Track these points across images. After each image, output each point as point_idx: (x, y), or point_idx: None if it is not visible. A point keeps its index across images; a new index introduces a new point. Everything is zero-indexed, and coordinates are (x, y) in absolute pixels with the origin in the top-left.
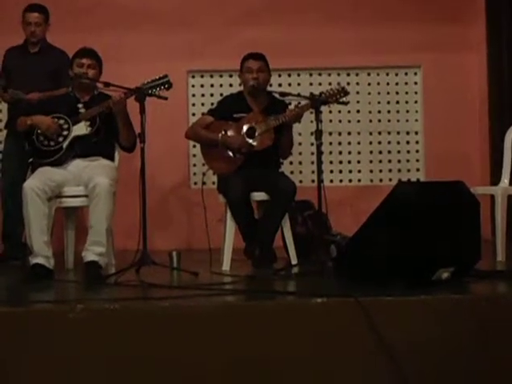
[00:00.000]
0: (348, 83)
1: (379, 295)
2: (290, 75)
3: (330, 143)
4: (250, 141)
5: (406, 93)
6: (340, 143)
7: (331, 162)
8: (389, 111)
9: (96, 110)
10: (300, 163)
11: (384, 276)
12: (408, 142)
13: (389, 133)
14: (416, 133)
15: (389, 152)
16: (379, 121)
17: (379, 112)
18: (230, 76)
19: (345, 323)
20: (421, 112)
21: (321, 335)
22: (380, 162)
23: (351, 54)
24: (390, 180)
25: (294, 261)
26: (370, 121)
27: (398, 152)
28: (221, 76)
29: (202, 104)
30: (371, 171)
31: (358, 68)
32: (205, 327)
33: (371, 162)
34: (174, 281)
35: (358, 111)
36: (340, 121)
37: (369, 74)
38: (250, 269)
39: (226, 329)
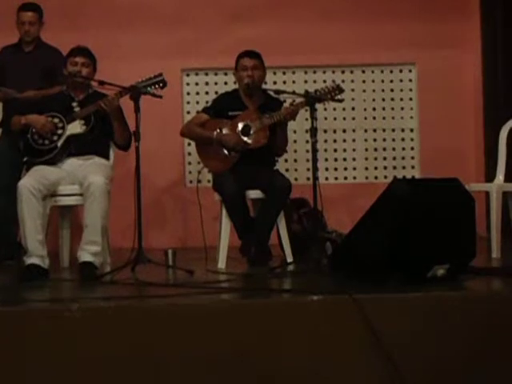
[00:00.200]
0: (343, 81)
1: (374, 292)
2: (284, 73)
3: (325, 141)
4: (245, 139)
5: (401, 90)
6: (335, 141)
7: (326, 160)
8: (384, 108)
9: (91, 108)
10: (295, 161)
11: (379, 273)
12: (403, 139)
13: (384, 130)
14: (411, 130)
15: (384, 149)
16: (374, 118)
17: (374, 109)
18: (225, 74)
19: (340, 320)
20: (416, 109)
21: (316, 332)
22: (375, 159)
23: (346, 51)
24: (385, 177)
25: (289, 258)
26: (365, 118)
27: (393, 149)
28: (215, 74)
29: (197, 102)
30: (366, 168)
31: (353, 65)
32: (200, 325)
33: (366, 159)
34: (170, 279)
35: (353, 108)
36: (335, 118)
37: (363, 72)
38: (245, 267)
39: (222, 327)
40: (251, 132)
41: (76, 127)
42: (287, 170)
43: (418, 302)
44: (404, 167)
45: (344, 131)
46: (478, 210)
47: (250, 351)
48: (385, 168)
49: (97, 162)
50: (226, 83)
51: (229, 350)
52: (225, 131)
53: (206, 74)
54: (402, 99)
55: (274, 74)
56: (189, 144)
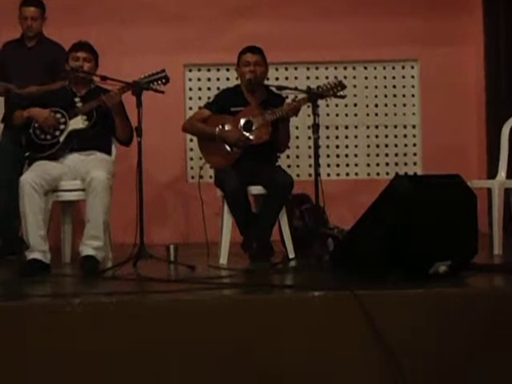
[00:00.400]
0: (345, 77)
1: (376, 289)
2: (287, 69)
3: (327, 137)
4: (247, 134)
5: (404, 86)
6: (337, 137)
7: (328, 156)
8: (386, 105)
9: (93, 104)
10: (297, 157)
11: (381, 269)
12: (405, 136)
13: (386, 126)
14: (413, 126)
15: (386, 146)
16: (376, 114)
17: (376, 106)
18: (227, 70)
19: (342, 316)
20: (418, 106)
21: (318, 328)
22: (377, 155)
23: (348, 47)
24: (388, 174)
25: (291, 254)
26: (367, 114)
27: (396, 146)
28: (218, 70)
29: (199, 98)
30: (368, 165)
31: (355, 62)
32: (202, 321)
33: (368, 155)
34: (171, 274)
35: (355, 105)
36: (337, 114)
37: (366, 68)
38: (247, 262)
39: (224, 322)
40: (253, 128)
41: (78, 122)
42: (289, 166)
43: (420, 299)
44: (406, 164)
45: (346, 127)
46: (479, 206)
47: (252, 347)
48: (387, 164)
49: (99, 158)
50: (228, 79)
51: (230, 346)
52: (227, 127)
53: (209, 70)
54: (404, 96)
55: (277, 70)
56: (191, 140)
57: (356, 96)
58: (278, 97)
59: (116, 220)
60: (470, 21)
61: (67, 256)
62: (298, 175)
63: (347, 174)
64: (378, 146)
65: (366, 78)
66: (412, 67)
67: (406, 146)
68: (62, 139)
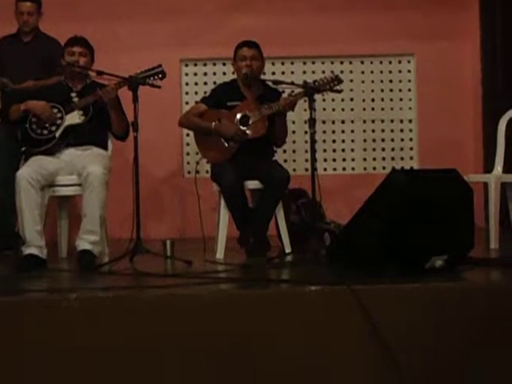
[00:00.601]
0: (342, 71)
1: (373, 283)
2: (283, 63)
3: (324, 131)
4: (244, 129)
5: (400, 81)
6: (334, 131)
7: (325, 151)
8: (382, 99)
9: (89, 99)
10: (294, 152)
11: (377, 264)
12: (402, 130)
13: (382, 121)
14: (410, 121)
15: (382, 140)
16: (373, 109)
17: (373, 100)
18: (224, 64)
19: (338, 311)
20: (414, 100)
21: (314, 323)
22: (374, 150)
23: (345, 42)
24: (384, 168)
25: (287, 249)
26: (364, 109)
27: (392, 140)
28: (214, 64)
29: (196, 92)
30: (365, 159)
31: (352, 56)
32: (199, 315)
33: (365, 150)
34: (168, 269)
35: (352, 99)
36: (334, 109)
37: (362, 62)
38: (243, 257)
39: (220, 317)
40: (250, 122)
41: (74, 117)
42: (286, 161)
43: (416, 293)
44: (402, 158)
45: (343, 122)
46: (476, 200)
47: (248, 341)
48: (383, 159)
49: (95, 153)
50: (224, 73)
51: (227, 340)
52: (223, 121)
53: (205, 65)
54: (400, 90)
55: (273, 64)
56: (187, 134)
57: (352, 90)
58: (275, 91)
59: (112, 215)
60: (466, 15)
61: (64, 251)
62: (294, 170)
63: (344, 169)
64: (374, 140)
65: (363, 72)
66: (408, 62)
67: (402, 140)
68: (58, 134)
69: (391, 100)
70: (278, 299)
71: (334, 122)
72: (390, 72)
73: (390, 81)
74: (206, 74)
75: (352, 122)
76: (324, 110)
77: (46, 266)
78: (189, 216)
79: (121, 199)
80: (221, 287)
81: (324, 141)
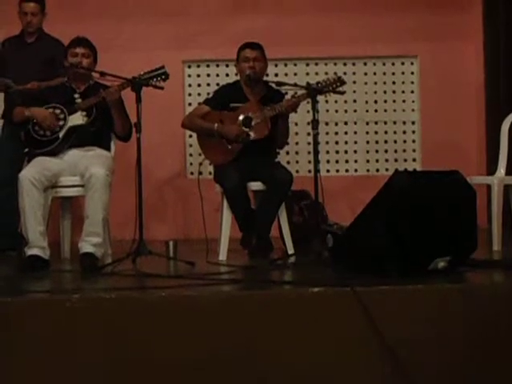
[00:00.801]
0: (345, 73)
1: (375, 285)
2: (286, 65)
3: (327, 133)
4: (247, 130)
5: (403, 82)
6: (337, 133)
7: (328, 152)
8: (385, 101)
9: (92, 100)
10: (297, 153)
11: (380, 265)
12: (405, 132)
13: (385, 123)
14: (413, 122)
15: (385, 142)
16: (376, 111)
17: (376, 102)
18: (227, 66)
19: (341, 313)
20: (417, 102)
21: (317, 325)
22: (376, 151)
23: (348, 43)
24: (387, 170)
25: (290, 250)
26: (367, 111)
27: (395, 142)
28: (217, 66)
29: (199, 94)
30: (368, 161)
31: (355, 58)
32: (201, 317)
33: (368, 151)
34: (171, 270)
35: (355, 101)
36: (337, 111)
37: (365, 64)
38: (246, 259)
39: (223, 318)
40: (252, 124)
41: (78, 118)
42: (289, 163)
43: (419, 295)
44: (405, 160)
45: (345, 124)
46: (479, 202)
47: (251, 342)
48: (386, 161)
49: (98, 154)
50: (227, 75)
51: (229, 342)
52: (226, 123)
53: (208, 66)
54: (403, 92)
55: (276, 66)
56: (190, 136)
57: (355, 92)
58: (278, 93)
59: (115, 216)
60: (469, 17)
61: (66, 252)
62: (297, 171)
63: (346, 170)
64: (377, 142)
65: (366, 74)
66: (412, 63)
67: (405, 142)
68: (61, 135)
69: (394, 102)
70: (280, 301)
71: (336, 124)
72: (393, 74)
73: (393, 82)
74: (208, 75)
75: (355, 123)
76: (327, 111)
77: (48, 266)
78: (191, 217)
79: (123, 200)
80: (223, 288)
81: (327, 142)
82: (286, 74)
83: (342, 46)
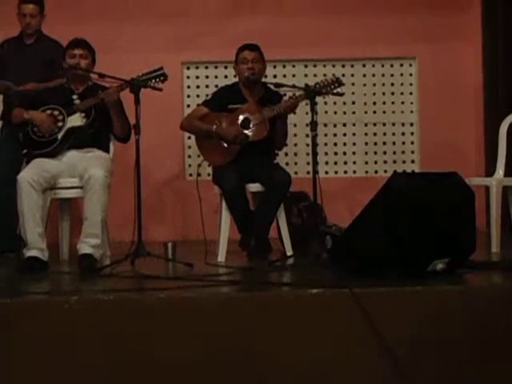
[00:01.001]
0: (343, 75)
1: (374, 286)
2: (284, 66)
3: (325, 134)
4: (245, 132)
5: (401, 84)
6: (335, 135)
7: (326, 154)
8: (384, 103)
9: (91, 101)
10: (295, 154)
11: (379, 267)
12: (403, 134)
13: (384, 124)
14: (411, 124)
15: (384, 143)
16: (374, 112)
17: (374, 103)
18: (225, 67)
19: (339, 314)
20: (416, 103)
21: (316, 326)
22: (375, 153)
23: (346, 45)
24: (385, 171)
25: (289, 252)
26: (365, 112)
27: (393, 143)
28: (216, 67)
29: (197, 95)
30: (366, 163)
31: (353, 59)
32: (200, 318)
33: (366, 153)
34: (169, 272)
35: (354, 103)
36: (335, 112)
37: (364, 66)
38: (245, 260)
39: (221, 320)
40: (251, 125)
41: (76, 120)
42: (287, 164)
43: (418, 296)
44: (404, 161)
45: (344, 125)
46: (477, 204)
47: (250, 344)
48: (385, 162)
49: (97, 155)
50: (226, 76)
51: (228, 343)
52: (225, 124)
53: (207, 68)
54: (402, 93)
55: (274, 67)
56: (189, 137)
57: (354, 94)
58: (276, 94)
59: (114, 217)
60: (468, 19)
61: (65, 253)
62: (295, 173)
63: (345, 172)
64: (375, 143)
65: (364, 75)
66: (410, 65)
67: (403, 143)
68: (60, 136)
69: (393, 103)
70: (279, 302)
71: (335, 125)
72: (392, 75)
73: (392, 84)
74: (207, 76)
75: (353, 125)
76: (326, 112)
77: (47, 268)
78: (190, 219)
79: (122, 201)
80: (222, 290)
81: (325, 144)
82: (285, 76)
83: (340, 47)
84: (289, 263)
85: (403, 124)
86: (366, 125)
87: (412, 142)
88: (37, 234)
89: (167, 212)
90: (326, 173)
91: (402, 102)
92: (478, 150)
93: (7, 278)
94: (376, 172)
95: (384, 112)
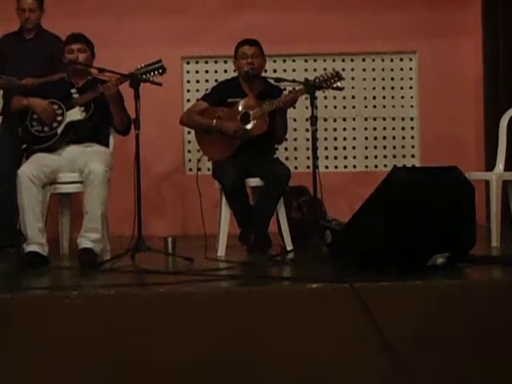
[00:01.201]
0: (343, 69)
1: (374, 281)
2: (284, 61)
3: (325, 129)
4: (245, 126)
5: (402, 79)
6: (335, 129)
7: (326, 148)
8: (384, 97)
9: (90, 95)
10: (295, 149)
11: (379, 261)
12: (403, 128)
13: (384, 119)
14: (411, 119)
15: (384, 138)
16: (374, 107)
17: (374, 98)
18: (225, 62)
19: (339, 309)
20: (416, 98)
21: (316, 320)
22: (375, 147)
23: (346, 40)
24: (385, 166)
25: (289, 246)
26: (365, 107)
27: (394, 138)
28: (216, 62)
29: (197, 90)
30: (366, 157)
31: (353, 54)
32: (200, 313)
33: (366, 147)
34: (169, 267)
35: (354, 97)
36: (335, 107)
37: (364, 60)
38: (245, 255)
39: (221, 314)
40: (251, 119)
41: (76, 114)
42: (287, 159)
43: (418, 291)
44: (404, 156)
45: (344, 120)
46: (477, 198)
47: (249, 339)
48: (385, 157)
49: (97, 150)
50: (225, 71)
51: (228, 338)
52: (224, 119)
53: (206, 62)
54: (402, 88)
55: (274, 62)
56: (188, 132)
57: (354, 88)
58: (276, 88)
59: (114, 212)
60: (468, 13)
61: (65, 248)
62: (295, 167)
63: (345, 167)
64: (375, 138)
65: (364, 70)
66: (410, 59)
67: (403, 138)
68: (59, 131)
69: (393, 98)
70: (279, 297)
71: (335, 120)
72: (392, 70)
73: (392, 78)
74: (207, 71)
75: (353, 119)
76: (325, 107)
77: (47, 263)
78: (190, 213)
79: (122, 196)
80: (222, 285)
81: (325, 138)
82: (285, 70)
83: (340, 42)
84: (289, 258)
85: (403, 118)
86: (365, 119)
87: (412, 137)
88: (37, 228)
89: (167, 206)
90: (326, 167)
91: (402, 97)
92: (478, 144)
93: (7, 273)
94: (376, 166)
95: (384, 106)
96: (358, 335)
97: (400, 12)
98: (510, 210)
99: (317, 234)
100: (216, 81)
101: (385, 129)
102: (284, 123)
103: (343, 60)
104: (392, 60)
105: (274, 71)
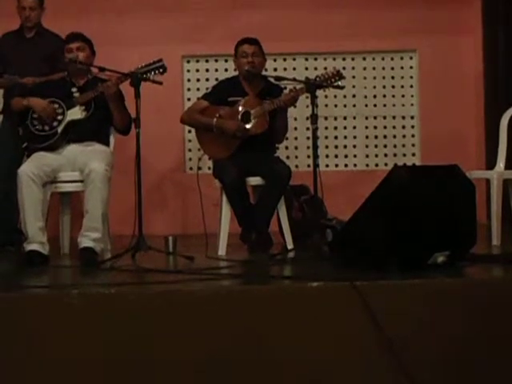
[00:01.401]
0: (344, 68)
1: (375, 279)
2: (285, 60)
3: (326, 128)
4: (246, 125)
5: (402, 77)
6: (336, 128)
7: (327, 147)
8: (384, 96)
9: (90, 94)
10: (296, 148)
11: (379, 260)
12: (404, 127)
13: (384, 117)
14: (412, 117)
15: (384, 137)
16: (375, 105)
17: (375, 97)
18: (226, 61)
19: (340, 307)
20: (416, 96)
21: (316, 319)
22: (376, 146)
23: (347, 38)
24: (386, 165)
25: (289, 245)
26: (366, 105)
27: (394, 136)
28: (216, 61)
29: (198, 89)
30: (367, 156)
31: (354, 53)
32: (200, 312)
33: (367, 146)
34: (170, 265)
35: (354, 96)
36: (336, 105)
37: (364, 59)
38: (245, 253)
39: (222, 313)
40: (251, 118)
41: (76, 113)
42: (288, 157)
43: (419, 289)
44: (404, 154)
45: (345, 118)
46: (478, 197)
47: (250, 337)
48: (385, 155)
49: (97, 149)
50: (226, 70)
51: (229, 336)
52: (225, 118)
53: (207, 61)
54: (402, 86)
55: (275, 60)
56: (189, 131)
57: (355, 87)
58: (276, 87)
59: (114, 211)
60: (468, 11)
61: (66, 247)
62: (296, 166)
63: (346, 165)
64: (376, 136)
65: (365, 68)
66: (411, 58)
67: (404, 136)
68: (60, 130)
69: (393, 96)
70: (280, 295)
71: (336, 119)
72: (392, 68)
73: (392, 77)
74: (207, 70)
75: (354, 118)
76: (326, 106)
77: (47, 262)
78: (191, 212)
79: (123, 195)
80: (223, 283)
81: (326, 137)
82: (285, 69)
83: (340, 40)
84: (289, 256)
85: (404, 117)
86: (366, 118)
87: (413, 135)
88: (37, 227)
89: (168, 205)
90: (327, 166)
91: (403, 95)
92: (479, 143)
93: (8, 271)
94: (376, 165)
95: (384, 105)
96: (359, 333)
97: (400, 11)
98: (510, 209)
99: (317, 232)
100: (216, 80)
101: (385, 127)
102: (284, 122)
103: (344, 59)
104: (392, 59)
105: (275, 70)
